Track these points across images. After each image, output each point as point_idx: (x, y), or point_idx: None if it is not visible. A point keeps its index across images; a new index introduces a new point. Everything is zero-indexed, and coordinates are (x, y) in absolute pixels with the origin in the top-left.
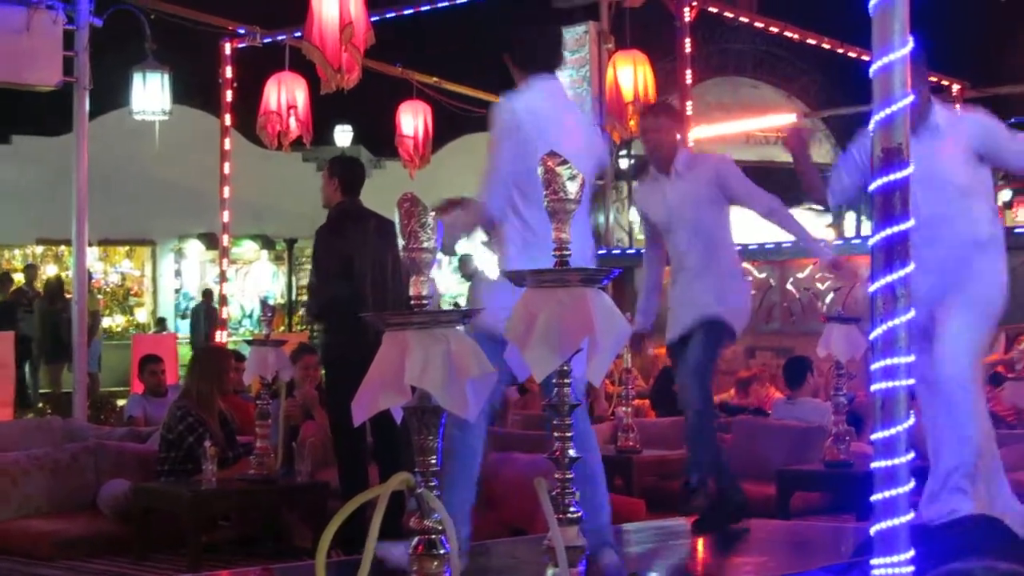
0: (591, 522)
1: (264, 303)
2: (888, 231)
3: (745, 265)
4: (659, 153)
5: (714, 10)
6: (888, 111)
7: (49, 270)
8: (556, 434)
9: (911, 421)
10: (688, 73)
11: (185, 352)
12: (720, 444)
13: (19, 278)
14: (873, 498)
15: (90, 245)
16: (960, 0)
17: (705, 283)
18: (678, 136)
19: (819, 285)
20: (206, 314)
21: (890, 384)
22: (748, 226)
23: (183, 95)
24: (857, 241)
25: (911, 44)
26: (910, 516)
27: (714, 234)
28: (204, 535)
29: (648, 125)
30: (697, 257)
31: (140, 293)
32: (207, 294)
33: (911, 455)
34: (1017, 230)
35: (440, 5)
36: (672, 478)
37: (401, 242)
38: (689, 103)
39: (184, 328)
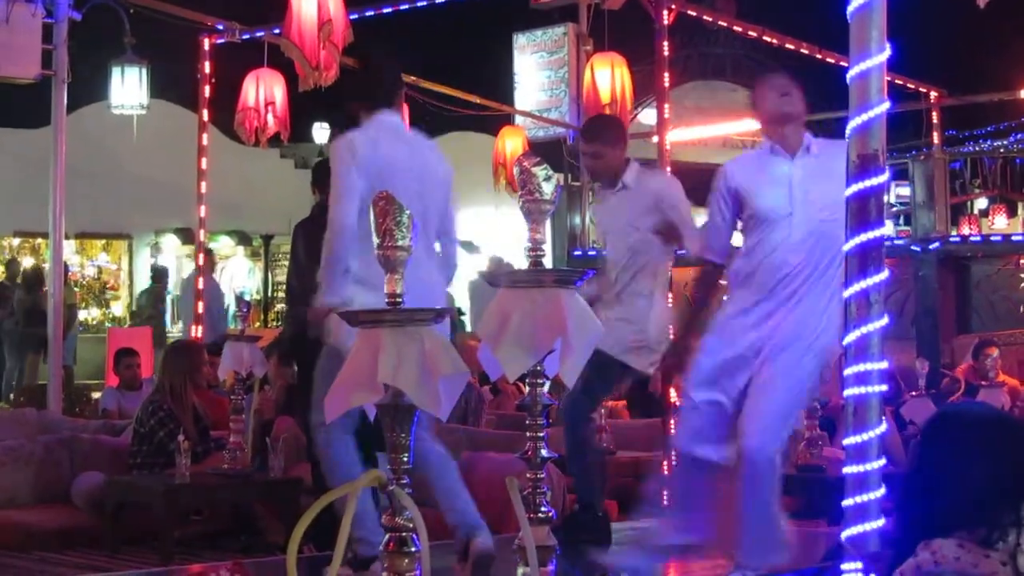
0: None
1: (240, 299)
2: (862, 237)
3: None
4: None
5: (693, 14)
6: (864, 117)
7: (26, 262)
8: (528, 434)
9: (883, 427)
10: (666, 76)
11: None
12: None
13: None
14: (844, 503)
15: (67, 238)
16: (938, 7)
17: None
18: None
19: None
20: None
21: (862, 390)
22: None
23: (161, 90)
24: None
25: (888, 51)
26: (881, 522)
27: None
28: (177, 529)
29: (584, 150)
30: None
31: (116, 286)
32: None
33: (882, 461)
34: (993, 238)
35: (419, 4)
36: (647, 480)
37: (376, 240)
38: (667, 106)
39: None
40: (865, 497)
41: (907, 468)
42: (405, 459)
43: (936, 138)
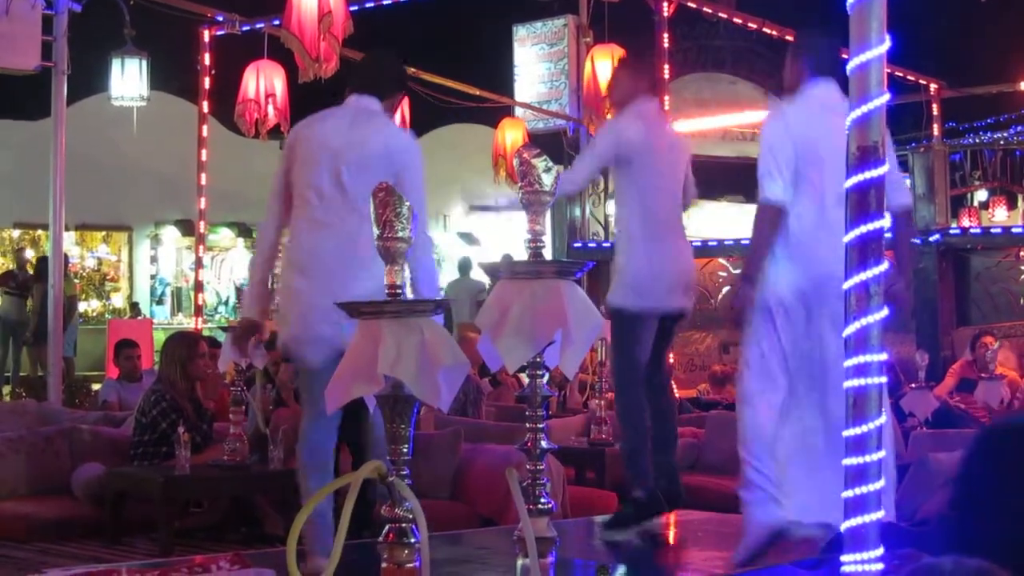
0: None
1: (240, 290)
2: (862, 229)
3: (721, 261)
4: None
5: (693, 6)
6: (864, 109)
7: (27, 254)
8: (528, 425)
9: (883, 418)
10: (666, 68)
11: (161, 337)
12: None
13: None
14: (844, 494)
15: (67, 230)
16: None
17: None
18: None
19: None
20: None
21: (862, 381)
22: (726, 223)
23: (161, 81)
24: None
25: (888, 42)
26: (880, 513)
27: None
28: (176, 520)
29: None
30: None
31: (116, 278)
32: None
33: (882, 452)
34: (993, 230)
35: None
36: None
37: (376, 231)
38: (666, 98)
39: (159, 314)
40: (864, 488)
41: (956, 480)
42: (405, 450)
43: (936, 130)
